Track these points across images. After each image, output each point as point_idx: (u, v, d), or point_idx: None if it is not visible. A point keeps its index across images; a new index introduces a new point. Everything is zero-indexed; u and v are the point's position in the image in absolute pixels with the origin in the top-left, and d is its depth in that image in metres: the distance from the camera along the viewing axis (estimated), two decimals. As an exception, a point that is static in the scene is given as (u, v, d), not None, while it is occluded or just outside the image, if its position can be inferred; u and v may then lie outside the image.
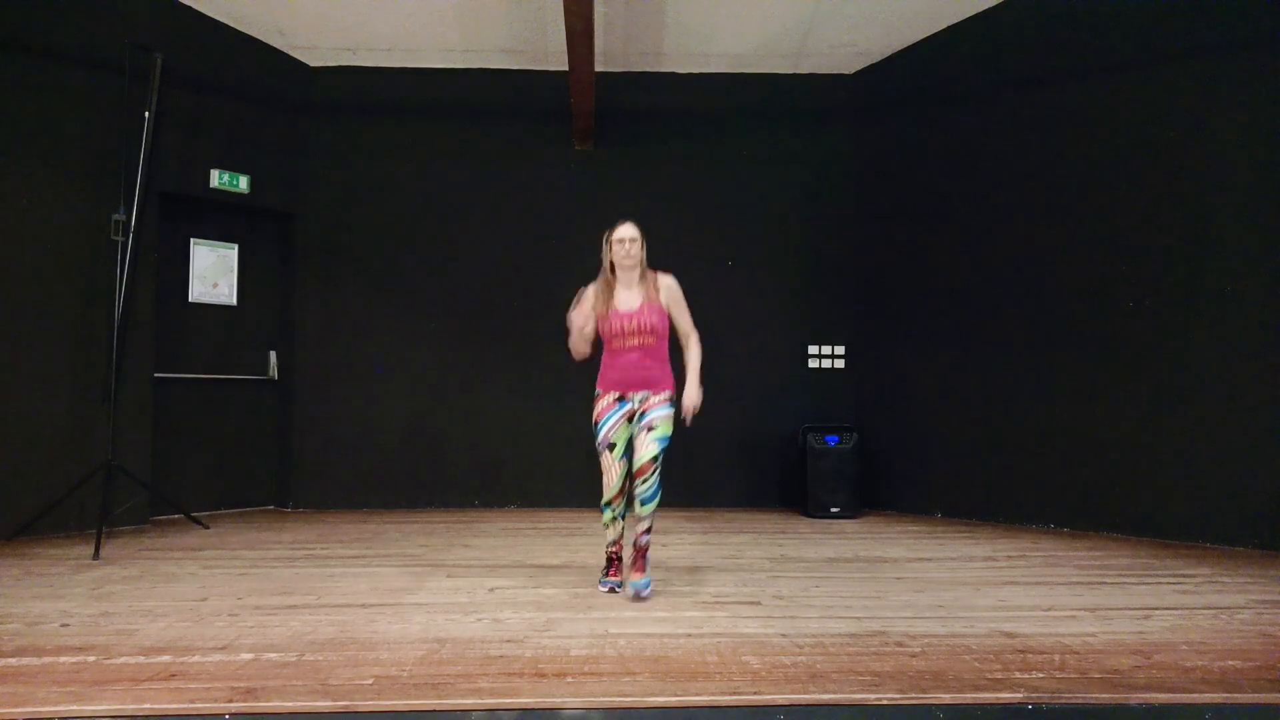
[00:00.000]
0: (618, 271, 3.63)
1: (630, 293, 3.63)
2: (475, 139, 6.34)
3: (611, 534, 3.69)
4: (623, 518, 3.67)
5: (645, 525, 3.62)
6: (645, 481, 3.52)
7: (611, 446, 3.58)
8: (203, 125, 5.71)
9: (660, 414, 3.57)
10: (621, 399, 3.61)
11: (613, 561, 3.73)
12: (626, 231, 3.59)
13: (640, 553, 3.63)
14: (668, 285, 3.65)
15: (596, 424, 3.62)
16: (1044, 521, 5.43)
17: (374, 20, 5.83)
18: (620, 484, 3.58)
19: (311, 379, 6.19)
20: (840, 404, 6.29)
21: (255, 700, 2.31)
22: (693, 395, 3.61)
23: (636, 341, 3.57)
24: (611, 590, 3.64)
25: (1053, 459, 5.38)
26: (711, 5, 5.69)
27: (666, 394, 3.62)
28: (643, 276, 3.64)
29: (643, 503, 3.56)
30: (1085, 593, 3.65)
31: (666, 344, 3.67)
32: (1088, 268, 5.29)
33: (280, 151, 6.13)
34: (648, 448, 3.52)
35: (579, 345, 3.61)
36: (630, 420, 3.60)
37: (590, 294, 3.66)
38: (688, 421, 3.63)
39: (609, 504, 3.62)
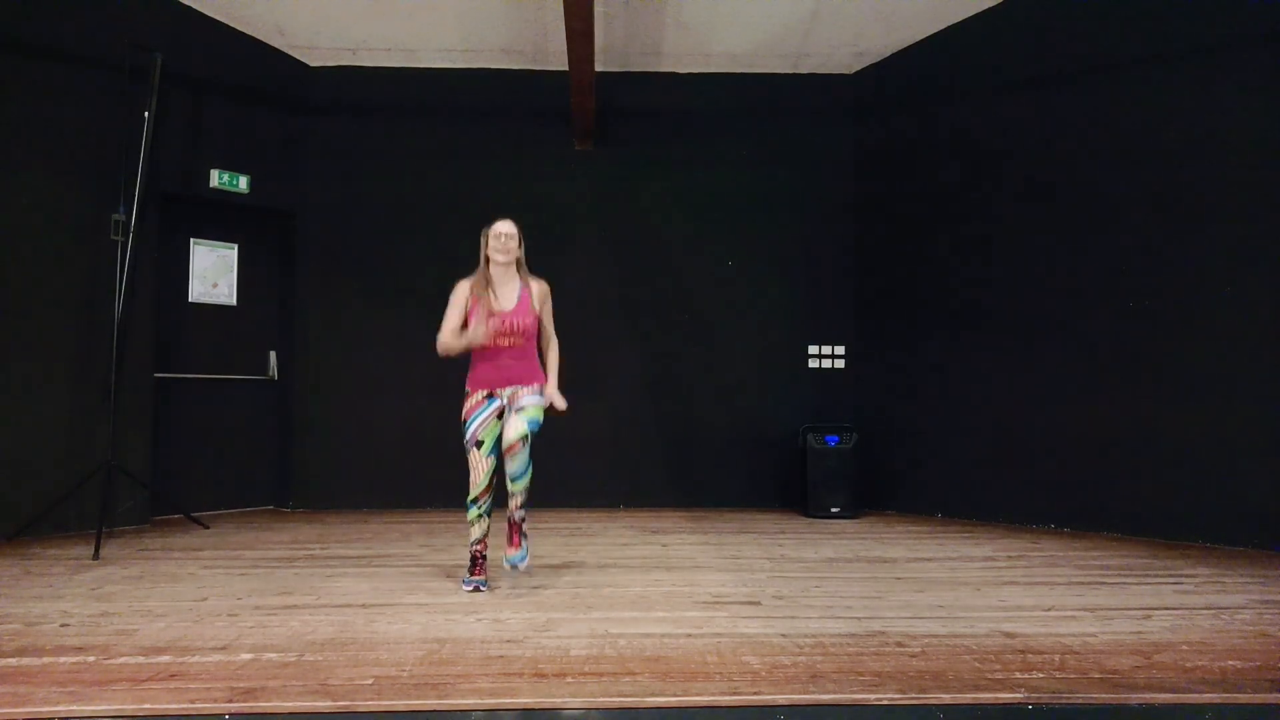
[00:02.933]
0: (493, 268, 3.69)
1: (506, 291, 3.69)
2: (475, 139, 6.34)
3: (476, 532, 3.65)
4: (489, 515, 3.65)
5: (518, 500, 3.69)
6: (515, 459, 3.53)
7: (480, 444, 3.59)
8: (203, 125, 5.71)
9: (531, 400, 3.63)
10: (491, 396, 3.65)
11: (476, 561, 3.69)
12: (505, 227, 3.70)
13: (515, 527, 3.73)
14: (543, 291, 3.75)
15: (465, 422, 3.63)
16: (1044, 521, 5.43)
17: (374, 20, 5.83)
18: (488, 481, 3.59)
19: (311, 379, 6.19)
20: (840, 404, 6.29)
21: (255, 700, 2.31)
22: (554, 395, 3.70)
23: (507, 342, 3.64)
24: (475, 590, 3.61)
25: (1053, 459, 5.38)
26: (712, 5, 5.69)
27: (537, 386, 3.68)
28: (520, 278, 3.72)
29: (513, 479, 3.61)
30: (1085, 593, 3.65)
31: (535, 344, 3.75)
32: (1088, 268, 5.29)
33: (280, 151, 6.13)
34: (516, 426, 3.52)
35: (453, 344, 3.61)
36: (499, 417, 3.64)
37: (465, 287, 3.70)
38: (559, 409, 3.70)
39: (475, 500, 3.59)
